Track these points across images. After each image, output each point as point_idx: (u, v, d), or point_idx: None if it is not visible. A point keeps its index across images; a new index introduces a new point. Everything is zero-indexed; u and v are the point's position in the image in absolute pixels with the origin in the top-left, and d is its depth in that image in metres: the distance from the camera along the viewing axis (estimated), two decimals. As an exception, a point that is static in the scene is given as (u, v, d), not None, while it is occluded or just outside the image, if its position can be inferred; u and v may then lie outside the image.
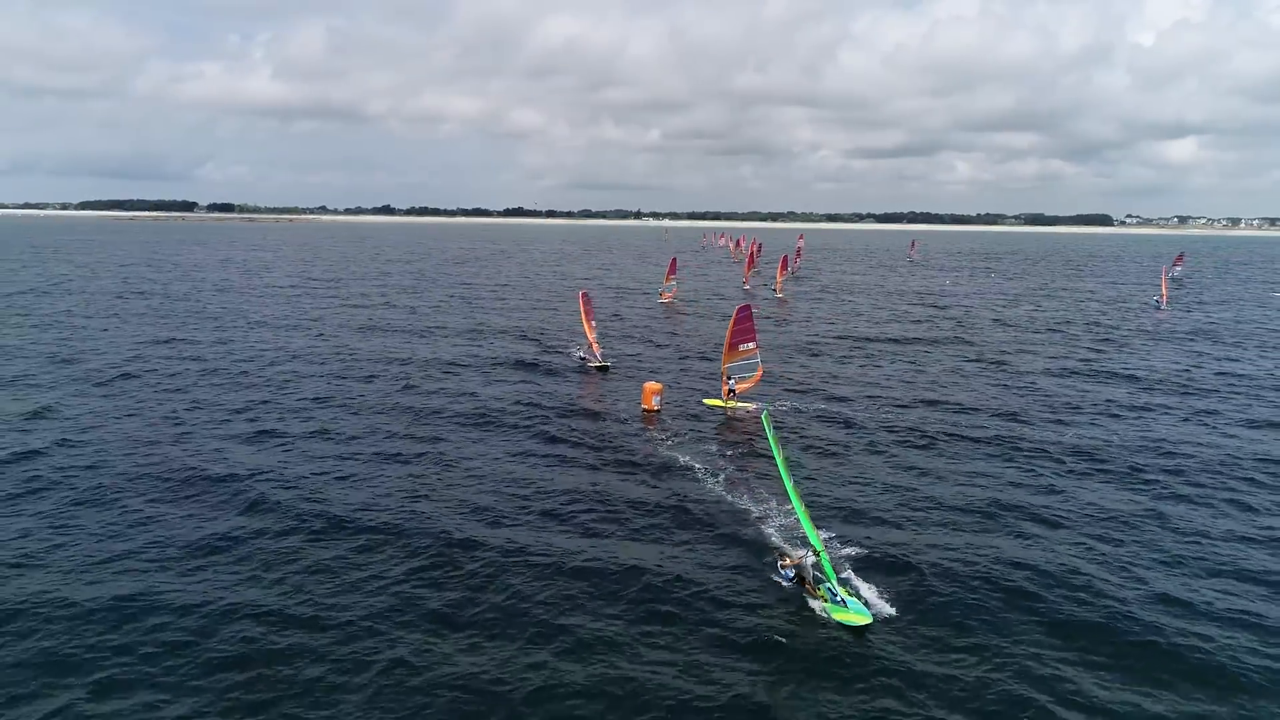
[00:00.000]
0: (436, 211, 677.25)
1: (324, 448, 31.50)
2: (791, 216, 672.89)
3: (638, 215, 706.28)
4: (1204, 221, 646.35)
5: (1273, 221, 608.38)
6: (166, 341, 54.05)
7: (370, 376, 44.12)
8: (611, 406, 38.37)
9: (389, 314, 71.31)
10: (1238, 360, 53.46)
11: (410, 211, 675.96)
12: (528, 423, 35.39)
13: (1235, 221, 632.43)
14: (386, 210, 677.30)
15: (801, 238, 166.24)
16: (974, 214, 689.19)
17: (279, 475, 28.08)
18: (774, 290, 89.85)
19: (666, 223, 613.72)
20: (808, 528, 20.19)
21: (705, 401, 38.65)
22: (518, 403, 38.82)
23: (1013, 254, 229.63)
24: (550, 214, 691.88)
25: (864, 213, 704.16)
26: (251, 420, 35.16)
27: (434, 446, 32.02)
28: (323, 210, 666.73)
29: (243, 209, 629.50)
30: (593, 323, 47.82)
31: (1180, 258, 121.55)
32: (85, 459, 29.35)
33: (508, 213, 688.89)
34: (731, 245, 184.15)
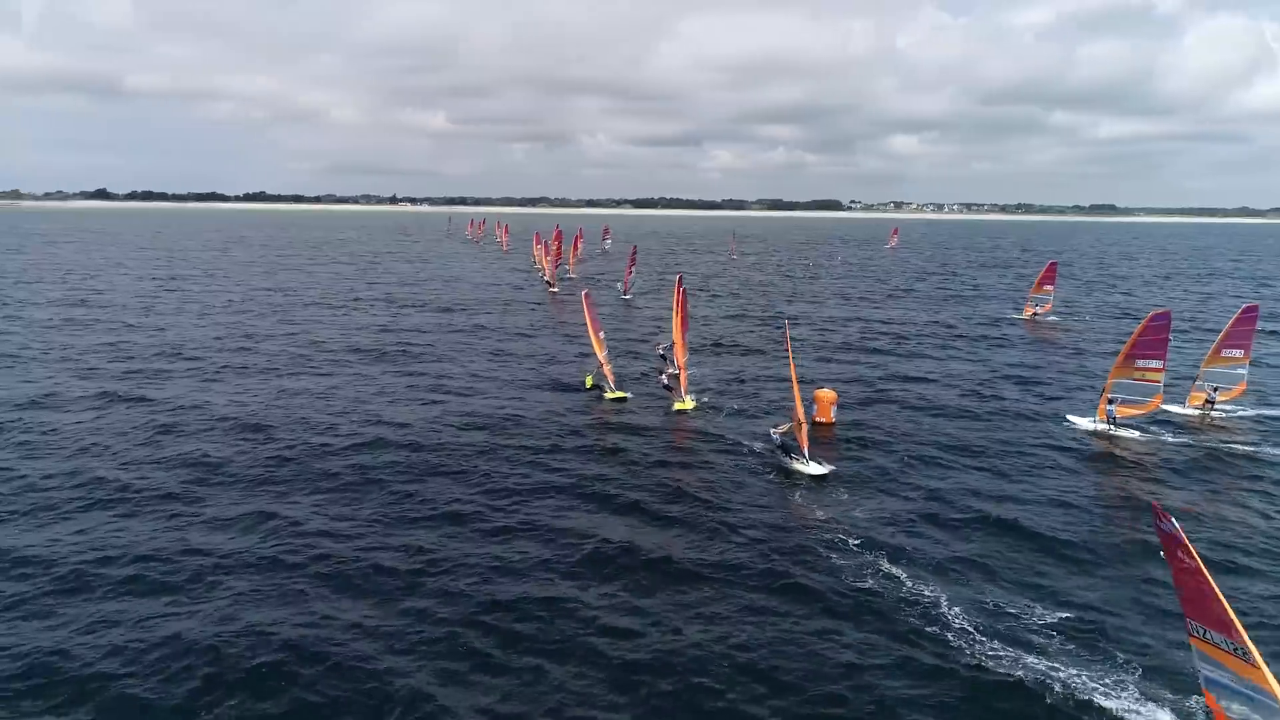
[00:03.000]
0: (162, 196, 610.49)
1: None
2: (547, 202, 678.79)
3: (394, 200, 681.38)
4: (914, 206, 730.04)
5: (969, 206, 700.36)
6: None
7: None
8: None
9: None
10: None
11: (130, 196, 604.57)
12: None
13: (940, 207, 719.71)
14: (101, 195, 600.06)
15: (580, 228, 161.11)
16: (719, 199, 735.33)
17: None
18: (621, 291, 79.75)
19: (425, 207, 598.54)
20: None
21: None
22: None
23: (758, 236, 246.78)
24: (297, 199, 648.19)
25: (619, 199, 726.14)
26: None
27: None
28: (16, 195, 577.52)
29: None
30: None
31: (895, 231, 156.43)
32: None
33: (248, 197, 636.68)
34: (502, 234, 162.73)
